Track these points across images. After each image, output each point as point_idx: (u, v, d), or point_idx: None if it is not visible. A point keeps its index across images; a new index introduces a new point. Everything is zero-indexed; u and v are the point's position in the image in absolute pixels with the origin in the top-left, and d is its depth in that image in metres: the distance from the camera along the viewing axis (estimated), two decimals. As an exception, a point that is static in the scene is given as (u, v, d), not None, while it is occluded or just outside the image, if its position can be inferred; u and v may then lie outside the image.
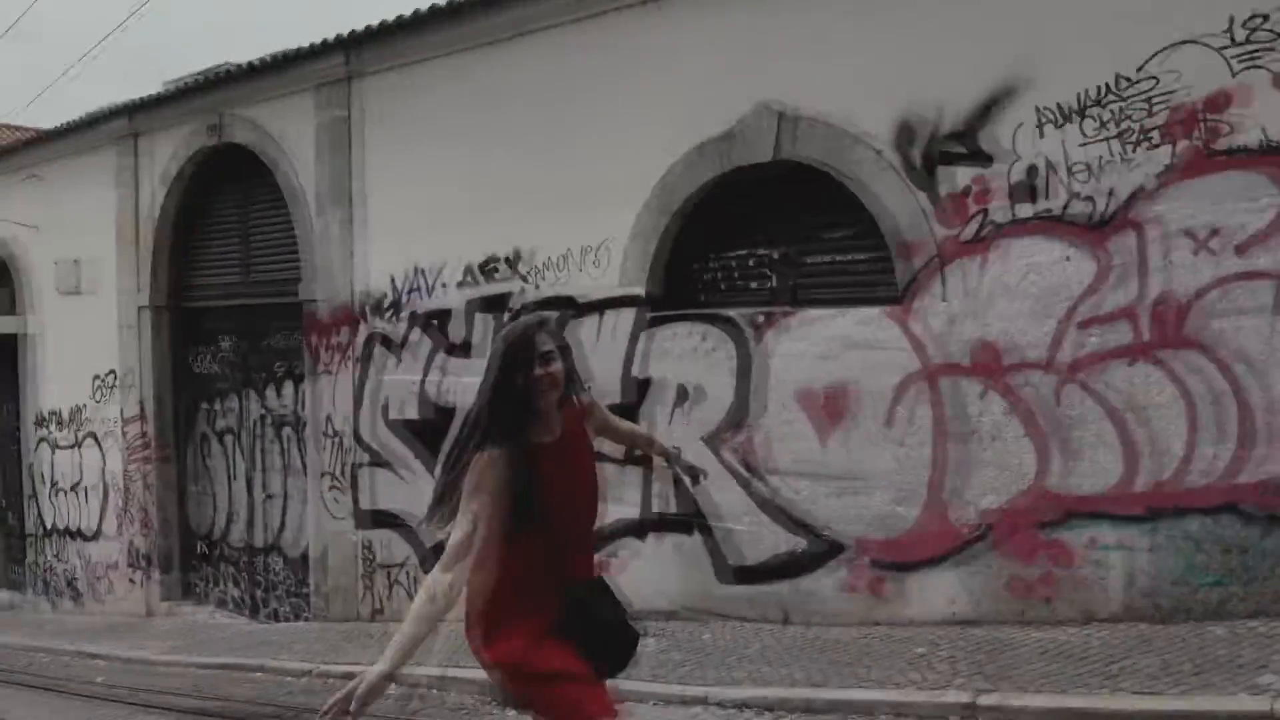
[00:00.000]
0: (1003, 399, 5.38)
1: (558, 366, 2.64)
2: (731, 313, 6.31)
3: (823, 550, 5.94)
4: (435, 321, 7.87)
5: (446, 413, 7.70)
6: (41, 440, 12.36)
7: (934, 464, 5.57)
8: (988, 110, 5.41)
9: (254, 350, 9.98)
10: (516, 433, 2.61)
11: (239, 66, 9.34)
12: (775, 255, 6.39)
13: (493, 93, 7.48)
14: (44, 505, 12.38)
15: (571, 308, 6.97)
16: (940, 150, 5.55)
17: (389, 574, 8.23)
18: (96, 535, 11.54)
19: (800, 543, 6.03)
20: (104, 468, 11.38)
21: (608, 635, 2.70)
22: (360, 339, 8.45)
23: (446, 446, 2.92)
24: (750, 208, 6.43)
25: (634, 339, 6.68)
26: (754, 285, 6.47)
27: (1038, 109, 5.25)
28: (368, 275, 8.41)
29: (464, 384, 7.62)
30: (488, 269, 7.53)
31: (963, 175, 5.50)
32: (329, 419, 8.69)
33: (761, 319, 6.18)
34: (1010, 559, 5.39)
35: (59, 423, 12.09)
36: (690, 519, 6.44)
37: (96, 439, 11.52)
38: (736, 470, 6.25)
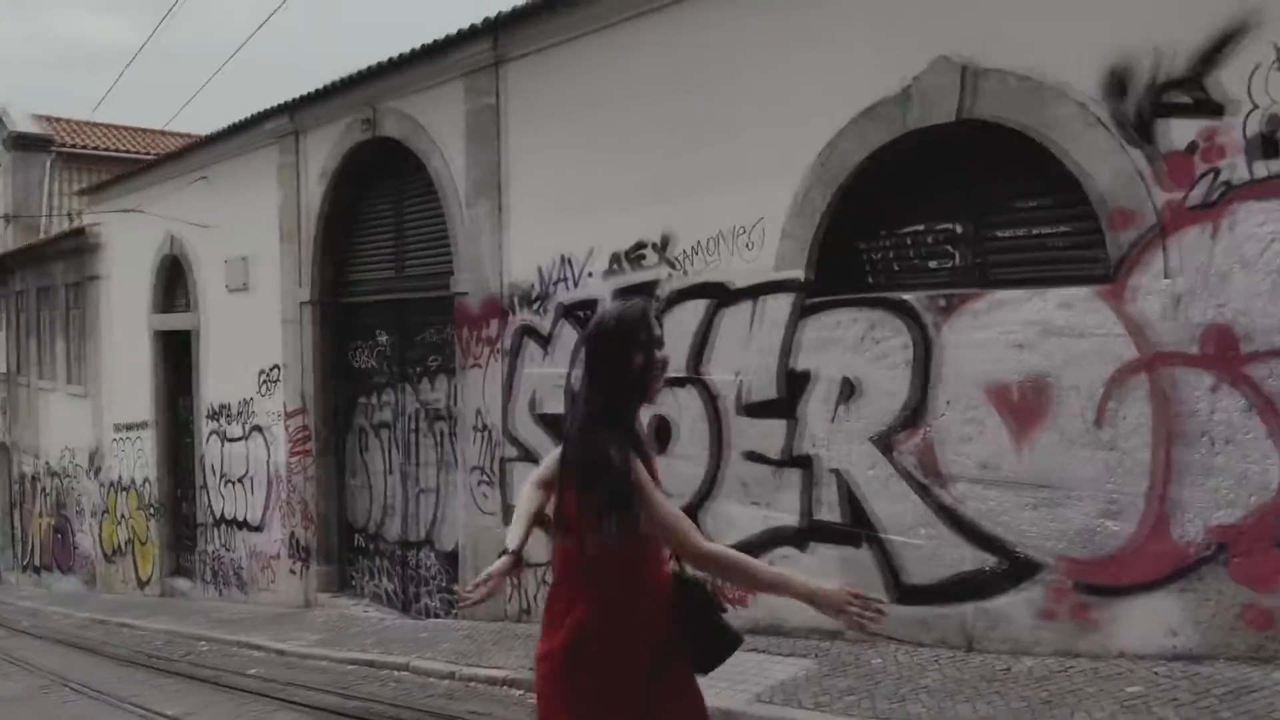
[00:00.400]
0: (1239, 394, 4.50)
1: (666, 355, 2.51)
2: (907, 296, 5.60)
3: (1014, 569, 5.17)
4: (580, 312, 7.49)
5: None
6: (212, 433, 12.82)
7: (1152, 471, 4.72)
8: (1216, 52, 4.54)
9: (408, 344, 9.91)
10: (632, 427, 2.43)
11: (390, 59, 9.27)
12: (958, 229, 5.64)
13: (640, 69, 7.04)
14: (214, 496, 12.83)
15: (721, 295, 6.43)
16: (1159, 101, 4.71)
17: (537, 573, 7.89)
18: (260, 526, 11.83)
19: (987, 560, 5.28)
20: (268, 460, 11.66)
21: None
22: (509, 331, 8.18)
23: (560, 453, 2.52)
24: (929, 176, 5.70)
25: (792, 328, 6.06)
26: (933, 264, 5.74)
27: (1277, 48, 4.36)
28: (515, 266, 8.13)
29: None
30: (634, 256, 7.08)
31: (1187, 129, 4.65)
32: (479, 412, 8.47)
33: (943, 303, 5.45)
34: (1246, 584, 4.50)
35: (228, 416, 12.49)
36: (859, 529, 5.77)
37: (261, 432, 11.81)
38: (912, 476, 5.55)
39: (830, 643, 5.82)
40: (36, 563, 19.49)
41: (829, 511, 5.93)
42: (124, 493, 15.58)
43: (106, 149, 22.03)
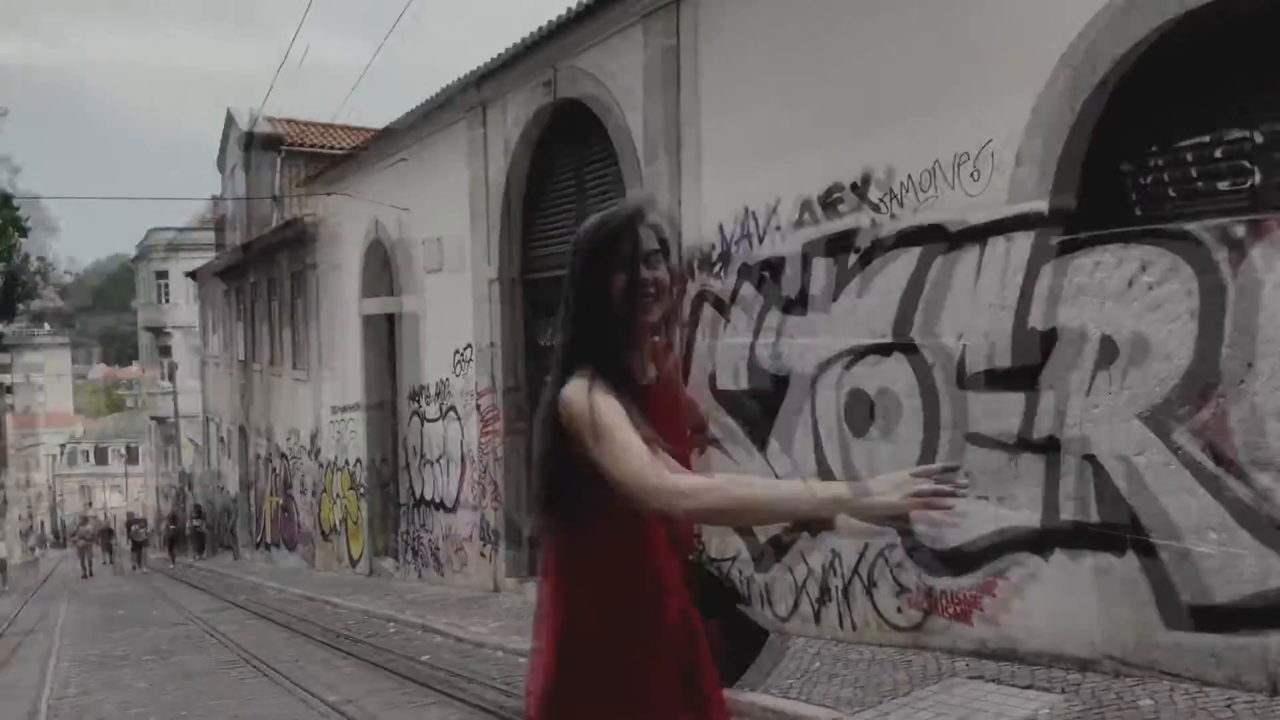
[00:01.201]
0: None
1: (664, 273, 1.87)
2: (1190, 227, 4.27)
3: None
4: (767, 273, 6.52)
5: (779, 382, 6.33)
6: (413, 414, 12.79)
7: None
8: None
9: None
10: (616, 363, 1.84)
11: (569, 10, 8.65)
12: (1259, 139, 4.24)
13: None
14: (414, 476, 12.80)
15: (937, 240, 5.28)
16: None
17: (718, 570, 7.02)
18: (455, 507, 11.64)
19: (1307, 576, 3.91)
20: (461, 440, 11.43)
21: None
22: (686, 299, 7.32)
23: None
24: (1214, 73, 4.34)
25: (1033, 275, 4.83)
26: (1224, 186, 4.36)
27: None
28: (696, 225, 7.26)
29: (801, 347, 6.21)
30: (829, 202, 6.03)
31: None
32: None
33: (1241, 233, 4.09)
34: None
35: (426, 397, 12.41)
36: (1121, 532, 4.48)
37: (456, 412, 11.61)
38: (1199, 463, 4.22)
39: (1082, 675, 4.58)
40: (267, 540, 20.66)
41: (1080, 509, 4.66)
42: (338, 473, 16.03)
43: (329, 146, 23.08)
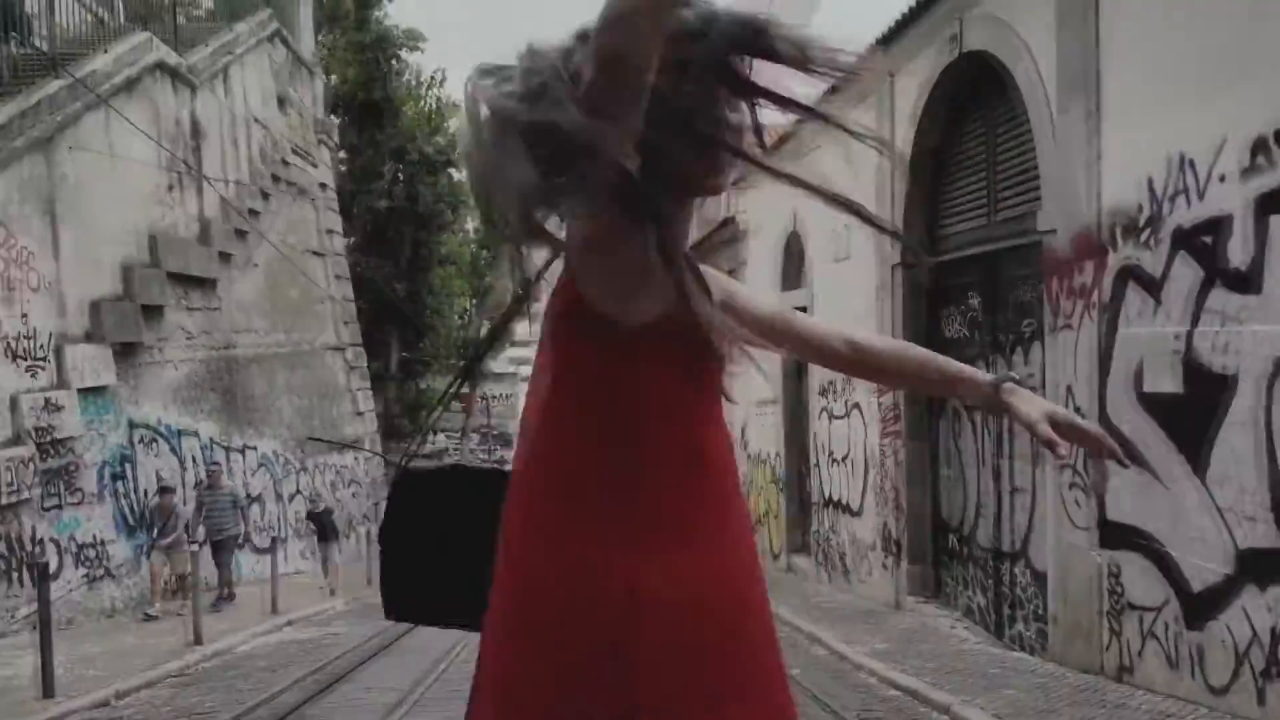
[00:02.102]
0: None
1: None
2: None
3: None
4: (1206, 239, 5.00)
5: (1223, 383, 4.81)
6: (822, 410, 12.28)
7: None
8: None
9: (999, 306, 8.05)
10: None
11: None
12: None
13: None
14: (823, 475, 12.28)
15: None
16: None
17: (1141, 620, 5.58)
18: (858, 511, 10.92)
19: None
20: (864, 440, 10.68)
21: None
22: (1105, 276, 5.93)
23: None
24: None
25: None
26: None
27: None
28: (1113, 184, 5.86)
29: (1255, 337, 4.65)
30: (1294, 136, 4.42)
31: None
32: (1069, 391, 6.35)
33: None
34: None
35: (834, 392, 11.83)
36: None
37: (860, 410, 10.90)
38: None
39: None
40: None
41: None
42: (761, 465, 16.03)
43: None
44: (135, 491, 12.29)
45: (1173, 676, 5.27)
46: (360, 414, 24.30)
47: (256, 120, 19.47)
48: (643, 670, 1.24)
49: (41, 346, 10.41)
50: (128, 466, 12.15)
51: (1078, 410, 6.24)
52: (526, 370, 1.42)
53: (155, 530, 11.55)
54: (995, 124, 8.02)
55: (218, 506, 12.43)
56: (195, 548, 10.76)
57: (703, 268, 1.45)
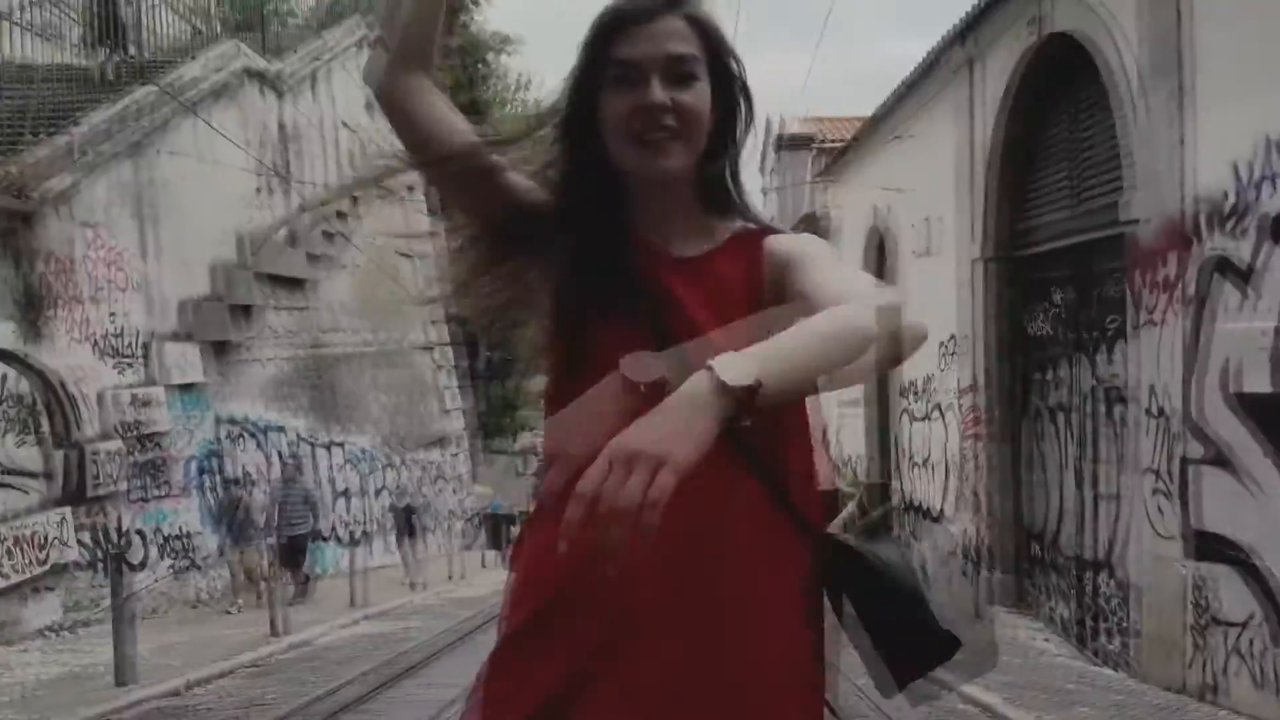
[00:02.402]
0: None
1: (690, 97, 1.19)
2: None
3: None
4: (1299, 225, 4.59)
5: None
6: (903, 411, 11.91)
7: None
8: None
9: (1084, 302, 7.63)
10: (588, 209, 1.24)
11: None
12: None
13: None
14: (905, 478, 11.90)
15: None
16: None
17: (1226, 636, 5.18)
18: (939, 517, 10.53)
19: None
20: (945, 443, 10.30)
21: None
22: (1193, 268, 5.54)
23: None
24: None
25: None
26: None
27: None
28: (1201, 169, 5.46)
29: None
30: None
31: None
32: (1152, 391, 5.96)
33: None
34: None
35: (915, 393, 11.46)
36: None
37: (941, 411, 10.51)
38: None
39: None
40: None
41: None
42: (844, 468, 15.66)
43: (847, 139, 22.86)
44: (222, 486, 12.69)
45: (1260, 697, 4.87)
46: (448, 412, 24.69)
47: (345, 125, 19.98)
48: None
49: (130, 345, 10.81)
50: (215, 461, 12.54)
51: (1161, 412, 5.85)
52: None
53: (226, 525, 11.88)
54: (1079, 109, 7.60)
55: (290, 502, 12.46)
56: (271, 541, 11.01)
57: (776, 231, 1.31)
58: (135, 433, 10.54)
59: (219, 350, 12.99)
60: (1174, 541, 5.70)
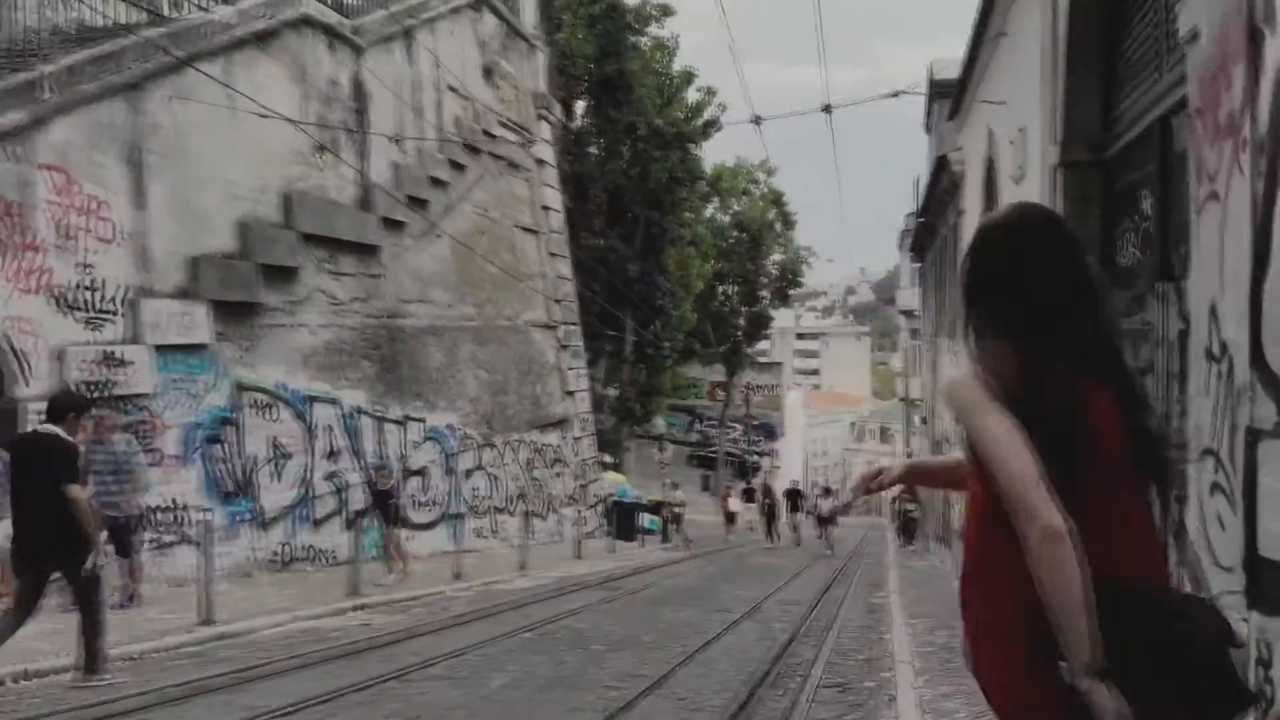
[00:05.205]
0: None
1: None
2: None
3: None
4: None
5: None
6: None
7: None
8: None
9: (1172, 207, 5.06)
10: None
11: None
12: None
13: None
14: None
15: None
16: None
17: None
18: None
19: None
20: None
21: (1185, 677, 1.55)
22: (1265, 88, 3.06)
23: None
24: None
25: None
26: None
27: None
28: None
29: None
30: None
31: None
32: (1213, 310, 3.49)
33: None
34: None
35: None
36: None
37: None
38: None
39: None
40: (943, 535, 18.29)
41: None
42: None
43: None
44: (240, 455, 11.84)
45: None
46: (571, 393, 23.41)
47: (452, 89, 19.03)
48: None
49: (111, 300, 10.03)
50: (229, 430, 11.70)
51: (1224, 351, 3.38)
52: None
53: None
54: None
55: (100, 470, 8.38)
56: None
57: None
58: (106, 392, 9.75)
59: (242, 312, 12.16)
60: (1232, 573, 3.24)
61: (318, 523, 12.94)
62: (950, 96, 19.32)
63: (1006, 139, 8.93)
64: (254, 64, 12.86)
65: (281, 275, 12.98)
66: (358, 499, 13.17)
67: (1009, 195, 9.08)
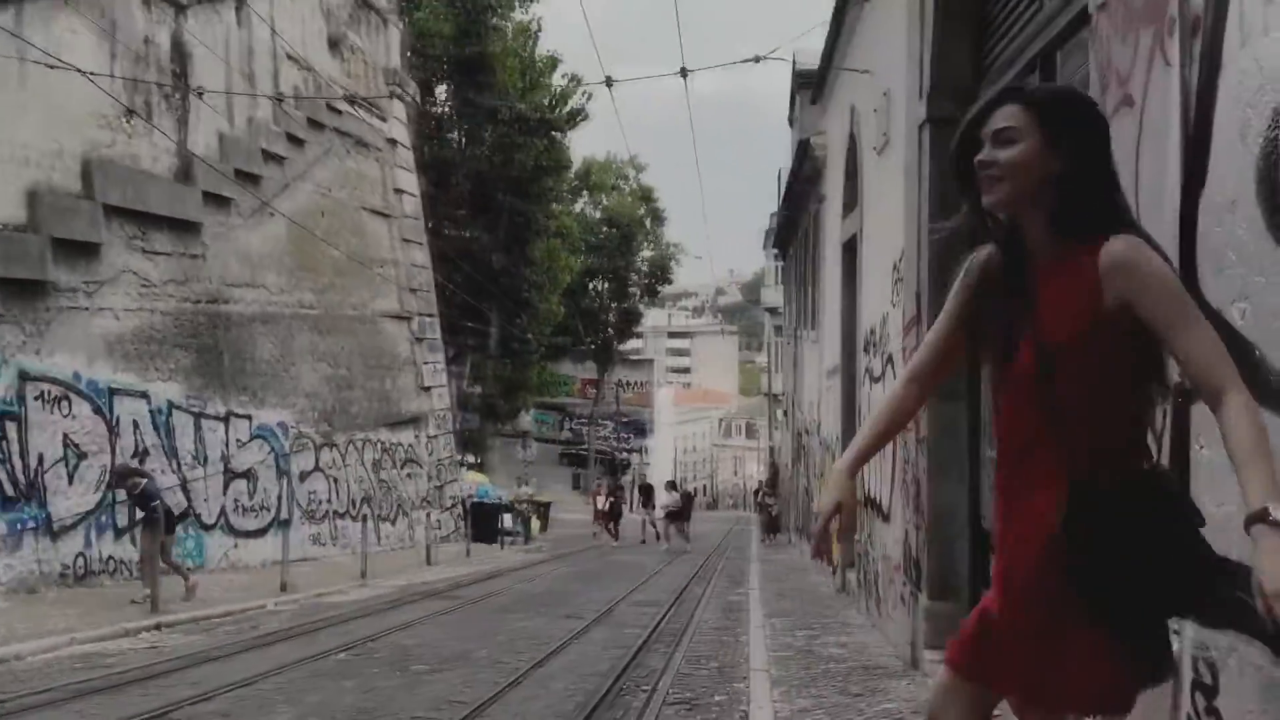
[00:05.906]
0: None
1: (1001, 159, 1.77)
2: None
3: None
4: None
5: None
6: (865, 370, 8.79)
7: None
8: None
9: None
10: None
11: None
12: None
13: None
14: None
15: None
16: None
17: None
18: (889, 515, 7.41)
19: None
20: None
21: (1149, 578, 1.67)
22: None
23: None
24: None
25: None
26: None
27: None
28: None
29: None
30: None
31: None
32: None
33: None
34: None
35: (872, 345, 8.34)
36: None
37: (891, 365, 7.38)
38: None
39: None
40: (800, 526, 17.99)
41: None
42: (827, 451, 12.55)
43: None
44: (23, 455, 10.29)
45: None
46: (427, 389, 22.13)
47: (291, 58, 17.57)
48: None
49: None
50: (9, 425, 10.14)
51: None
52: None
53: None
54: None
55: None
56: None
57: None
58: None
59: (29, 292, 10.60)
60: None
61: (120, 531, 11.45)
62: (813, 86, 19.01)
63: (870, 109, 8.41)
64: (52, 15, 11.31)
65: (80, 251, 11.44)
66: (178, 502, 11.78)
67: (870, 169, 8.58)
